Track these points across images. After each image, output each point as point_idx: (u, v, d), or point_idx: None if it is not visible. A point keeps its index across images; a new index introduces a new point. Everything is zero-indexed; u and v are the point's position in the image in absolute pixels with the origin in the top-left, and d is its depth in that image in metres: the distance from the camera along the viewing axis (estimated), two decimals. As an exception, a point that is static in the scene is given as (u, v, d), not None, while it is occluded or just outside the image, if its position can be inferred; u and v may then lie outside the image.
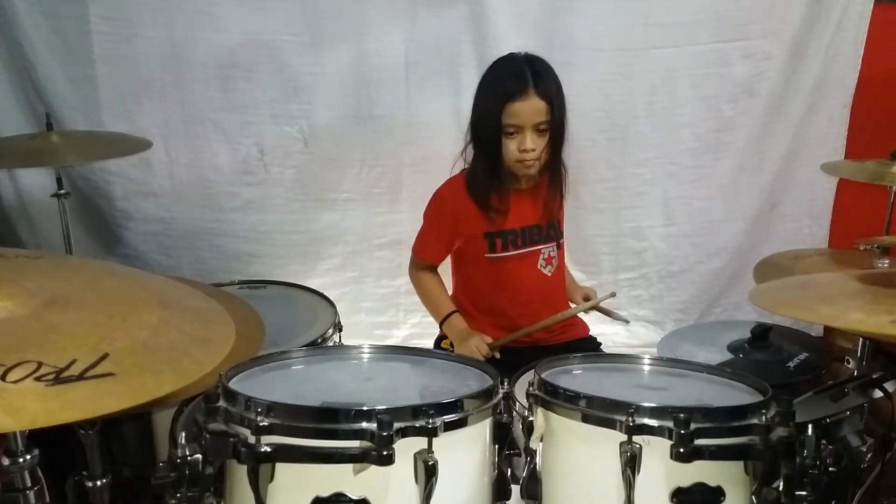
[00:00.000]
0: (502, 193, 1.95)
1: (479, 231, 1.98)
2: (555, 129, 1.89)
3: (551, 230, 2.04)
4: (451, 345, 2.05)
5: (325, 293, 2.15)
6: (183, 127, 2.55)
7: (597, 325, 2.25)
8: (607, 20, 2.57)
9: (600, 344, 2.16)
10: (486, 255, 1.99)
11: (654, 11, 2.57)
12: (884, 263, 1.95)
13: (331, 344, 1.88)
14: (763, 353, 1.97)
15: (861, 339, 1.91)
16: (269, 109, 2.56)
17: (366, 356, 1.39)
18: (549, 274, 2.04)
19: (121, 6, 2.40)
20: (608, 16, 2.57)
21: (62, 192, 2.18)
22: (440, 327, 2.07)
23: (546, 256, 2.03)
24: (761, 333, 1.99)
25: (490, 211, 1.95)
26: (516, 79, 1.85)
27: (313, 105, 2.56)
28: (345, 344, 1.92)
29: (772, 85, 2.68)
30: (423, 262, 2.11)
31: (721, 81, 2.67)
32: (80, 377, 0.83)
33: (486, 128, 1.89)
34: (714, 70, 2.65)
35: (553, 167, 1.98)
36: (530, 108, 1.84)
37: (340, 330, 1.95)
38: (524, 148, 1.86)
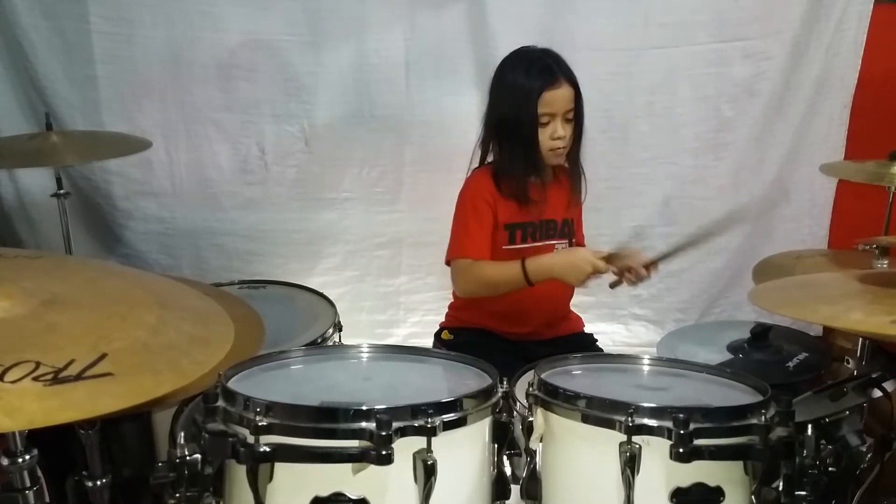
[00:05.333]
0: (536, 184, 1.96)
1: (502, 222, 1.97)
2: (578, 116, 1.92)
3: (566, 227, 2.04)
4: (445, 336, 2.07)
5: (325, 292, 2.15)
6: (183, 127, 2.55)
7: (596, 324, 2.25)
8: (607, 20, 2.58)
9: (596, 340, 2.15)
10: (504, 246, 1.98)
11: (654, 11, 2.57)
12: (883, 264, 1.95)
13: (330, 344, 1.88)
14: (763, 353, 1.97)
15: (861, 339, 1.91)
16: (270, 109, 2.57)
17: (365, 356, 1.39)
18: None
19: (121, 6, 2.40)
20: (608, 16, 2.57)
21: (62, 192, 2.18)
22: (530, 282, 1.86)
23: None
24: (761, 333, 1.99)
25: (527, 202, 1.95)
26: (546, 68, 1.87)
27: (314, 104, 2.57)
28: (344, 343, 1.92)
29: (772, 85, 2.68)
30: (473, 259, 1.93)
31: (721, 81, 2.67)
32: (79, 377, 0.83)
33: (522, 120, 1.88)
34: (714, 70, 2.65)
35: (572, 159, 1.99)
36: (562, 95, 1.86)
37: (340, 330, 1.95)
38: (556, 136, 1.88)
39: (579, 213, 2.14)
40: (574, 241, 2.11)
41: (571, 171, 2.01)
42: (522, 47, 1.97)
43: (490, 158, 2.00)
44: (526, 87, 1.86)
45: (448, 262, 1.97)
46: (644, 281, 1.96)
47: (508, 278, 1.87)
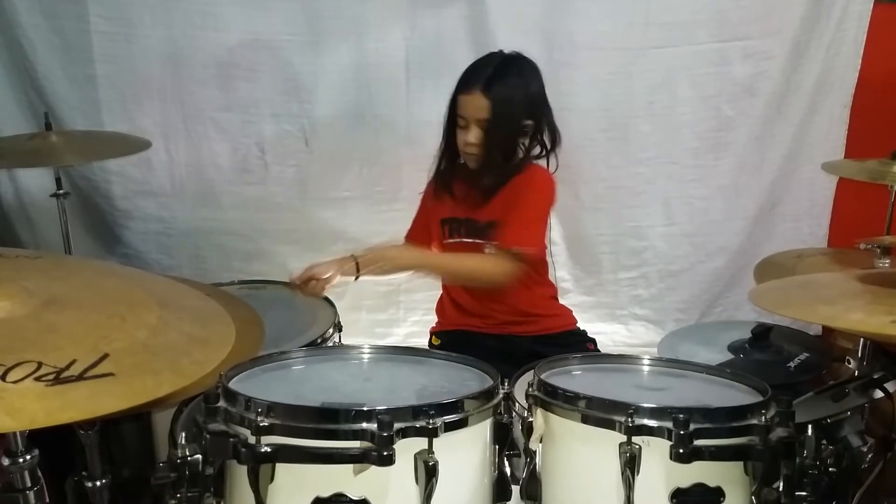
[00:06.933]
0: (457, 180, 2.01)
1: (438, 218, 2.05)
2: (495, 128, 1.90)
3: (489, 229, 1.98)
4: (434, 342, 2.12)
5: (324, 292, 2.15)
6: (183, 126, 2.55)
7: (596, 324, 2.25)
8: (607, 20, 2.58)
9: (592, 339, 2.15)
10: (444, 241, 2.05)
11: (654, 11, 2.57)
12: (884, 263, 1.95)
13: (330, 344, 1.88)
14: (763, 353, 1.96)
15: (862, 339, 1.90)
16: (270, 108, 2.57)
17: (366, 356, 1.39)
18: None
19: (121, 6, 2.40)
20: (608, 15, 2.57)
21: (61, 191, 2.18)
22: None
23: (490, 252, 2.00)
24: (762, 334, 1.99)
25: (442, 194, 2.03)
26: (472, 72, 1.92)
27: (313, 104, 2.57)
28: (345, 344, 1.92)
29: (772, 84, 2.68)
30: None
31: (721, 81, 2.67)
32: (80, 377, 0.83)
33: (447, 115, 1.96)
34: (714, 70, 2.65)
35: (493, 167, 1.94)
36: (473, 103, 1.89)
37: (340, 330, 1.95)
38: (465, 140, 1.92)
39: (513, 208, 2.02)
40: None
41: (491, 177, 1.95)
42: (497, 51, 1.99)
43: None
44: (455, 87, 1.94)
45: None
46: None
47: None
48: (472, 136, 1.90)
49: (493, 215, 1.98)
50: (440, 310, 2.16)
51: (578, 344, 2.09)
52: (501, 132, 1.91)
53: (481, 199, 1.99)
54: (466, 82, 1.90)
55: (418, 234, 2.16)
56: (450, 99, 1.94)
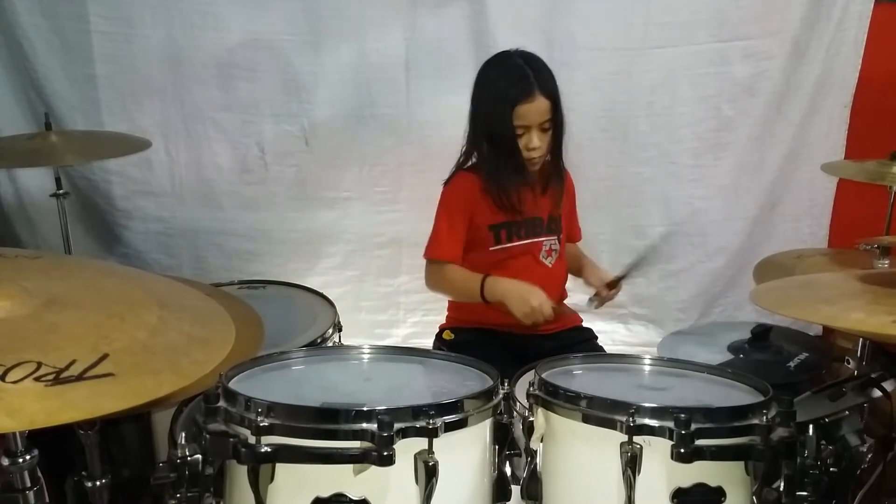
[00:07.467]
0: (519, 188, 1.98)
1: (485, 224, 1.99)
2: (556, 124, 1.93)
3: (552, 224, 2.05)
4: (446, 336, 2.08)
5: (324, 292, 2.15)
6: (183, 126, 2.56)
7: (595, 323, 2.24)
8: (607, 20, 2.58)
9: (596, 338, 2.15)
10: (490, 248, 2.00)
11: (654, 11, 2.57)
12: (884, 264, 1.95)
13: (330, 344, 1.88)
14: (763, 353, 1.97)
15: (861, 339, 1.91)
16: (270, 108, 2.57)
17: (366, 356, 1.39)
18: (550, 265, 2.05)
19: (120, 6, 2.41)
20: (608, 15, 2.57)
21: (61, 191, 2.17)
22: (484, 299, 1.90)
23: (548, 248, 2.05)
24: (761, 334, 1.99)
25: (508, 205, 1.97)
26: (521, 81, 1.88)
27: (314, 104, 2.57)
28: (345, 344, 1.92)
29: (772, 84, 2.68)
30: (445, 261, 2.00)
31: (721, 81, 2.67)
32: (80, 377, 0.83)
33: (501, 132, 1.90)
34: (714, 70, 2.65)
35: (554, 161, 2.01)
36: (537, 108, 1.88)
37: (340, 330, 1.95)
38: (531, 147, 1.90)
39: (570, 209, 2.16)
40: (563, 236, 2.11)
41: (552, 169, 2.02)
42: (504, 53, 1.98)
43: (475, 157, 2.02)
44: (501, 100, 1.89)
45: (424, 257, 2.04)
46: (612, 298, 2.05)
47: (468, 290, 1.95)
48: (536, 141, 1.89)
49: (553, 210, 2.05)
50: (455, 306, 2.13)
51: (592, 340, 2.13)
52: (561, 125, 1.94)
53: (540, 196, 2.02)
54: (520, 92, 1.86)
55: (460, 249, 2.01)
56: (499, 113, 1.88)
